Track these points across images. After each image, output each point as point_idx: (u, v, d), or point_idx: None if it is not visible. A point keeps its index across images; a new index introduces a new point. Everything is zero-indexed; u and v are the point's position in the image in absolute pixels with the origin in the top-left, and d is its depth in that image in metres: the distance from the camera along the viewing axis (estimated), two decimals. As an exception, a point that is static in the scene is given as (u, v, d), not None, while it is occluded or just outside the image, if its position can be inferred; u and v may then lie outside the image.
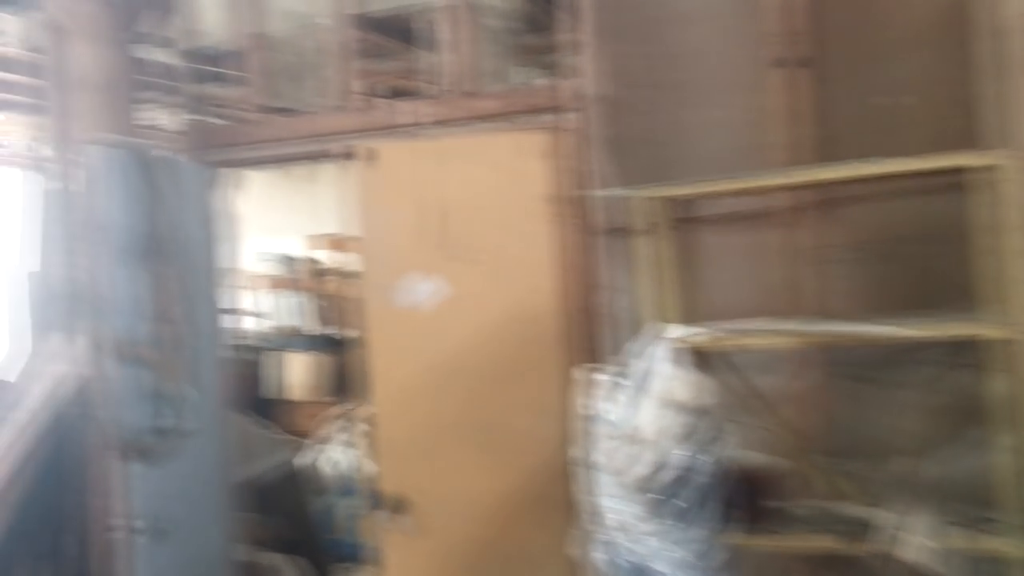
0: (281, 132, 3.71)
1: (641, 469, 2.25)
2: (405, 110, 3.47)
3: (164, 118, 4.04)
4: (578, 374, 2.72)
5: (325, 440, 5.80)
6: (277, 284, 8.19)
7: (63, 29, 3.47)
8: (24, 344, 3.52)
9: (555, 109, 3.18)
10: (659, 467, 2.24)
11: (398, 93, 5.91)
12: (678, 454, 2.23)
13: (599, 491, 2.36)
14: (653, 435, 2.25)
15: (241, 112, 3.81)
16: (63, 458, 3.20)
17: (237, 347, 7.37)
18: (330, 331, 7.74)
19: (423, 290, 3.26)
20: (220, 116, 4.07)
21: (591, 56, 3.03)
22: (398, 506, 3.28)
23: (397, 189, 3.29)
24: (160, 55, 4.03)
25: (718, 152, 2.93)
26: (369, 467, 3.39)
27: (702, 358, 2.44)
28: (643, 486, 2.25)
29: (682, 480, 2.23)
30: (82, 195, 3.03)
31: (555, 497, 3.07)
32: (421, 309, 3.27)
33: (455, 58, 3.39)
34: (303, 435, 6.18)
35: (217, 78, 4.90)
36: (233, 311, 4.62)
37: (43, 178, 3.54)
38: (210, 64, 4.44)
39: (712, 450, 2.26)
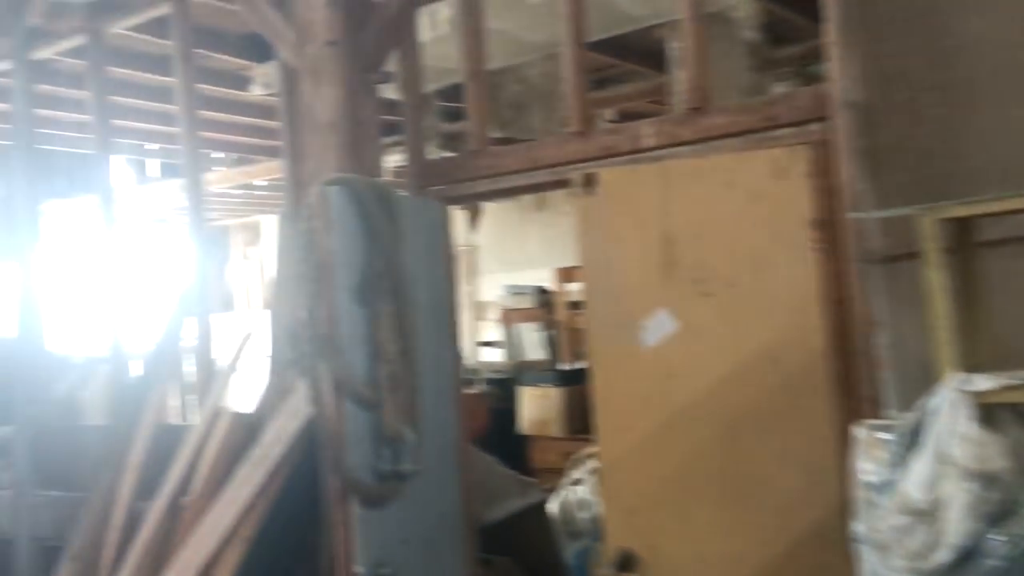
0: (509, 163, 3.57)
1: (941, 555, 1.83)
2: (636, 133, 3.21)
3: (396, 154, 4.06)
4: (850, 429, 2.30)
5: (572, 480, 5.60)
6: (521, 317, 8.18)
7: (302, 73, 3.56)
8: (270, 380, 3.61)
9: (801, 122, 2.80)
10: (963, 552, 1.80)
11: (634, 116, 5.69)
12: (990, 536, 1.79)
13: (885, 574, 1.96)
14: (953, 511, 1.82)
15: (469, 145, 3.73)
16: (295, 497, 3.21)
17: (483, 382, 7.45)
18: (576, 364, 7.61)
19: (653, 326, 2.97)
20: (449, 150, 4.05)
21: (841, 58, 2.64)
22: (626, 563, 2.99)
23: (622, 216, 3.03)
24: (391, 93, 4.06)
25: (1011, 161, 2.45)
26: (600, 514, 3.14)
27: (1002, 413, 1.99)
28: (943, 575, 1.83)
29: (995, 569, 1.79)
30: (314, 234, 3.06)
31: (829, 573, 2.64)
32: (652, 346, 2.98)
33: (689, 74, 3.09)
34: (552, 472, 6.04)
35: (447, 113, 4.93)
36: (465, 348, 4.56)
37: (285, 219, 3.64)
38: (440, 99, 4.46)
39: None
